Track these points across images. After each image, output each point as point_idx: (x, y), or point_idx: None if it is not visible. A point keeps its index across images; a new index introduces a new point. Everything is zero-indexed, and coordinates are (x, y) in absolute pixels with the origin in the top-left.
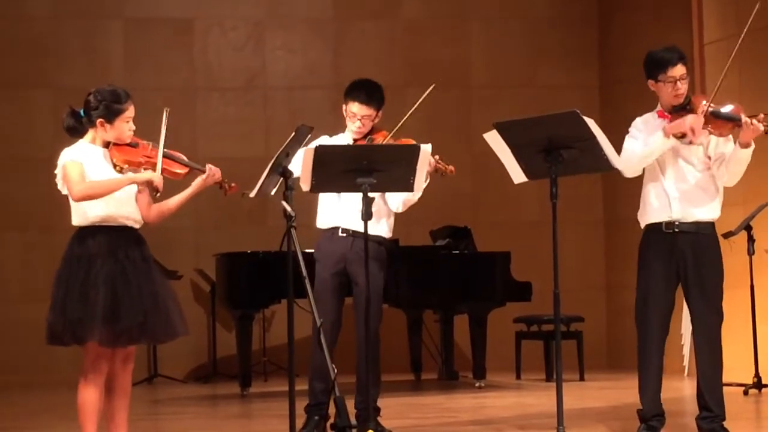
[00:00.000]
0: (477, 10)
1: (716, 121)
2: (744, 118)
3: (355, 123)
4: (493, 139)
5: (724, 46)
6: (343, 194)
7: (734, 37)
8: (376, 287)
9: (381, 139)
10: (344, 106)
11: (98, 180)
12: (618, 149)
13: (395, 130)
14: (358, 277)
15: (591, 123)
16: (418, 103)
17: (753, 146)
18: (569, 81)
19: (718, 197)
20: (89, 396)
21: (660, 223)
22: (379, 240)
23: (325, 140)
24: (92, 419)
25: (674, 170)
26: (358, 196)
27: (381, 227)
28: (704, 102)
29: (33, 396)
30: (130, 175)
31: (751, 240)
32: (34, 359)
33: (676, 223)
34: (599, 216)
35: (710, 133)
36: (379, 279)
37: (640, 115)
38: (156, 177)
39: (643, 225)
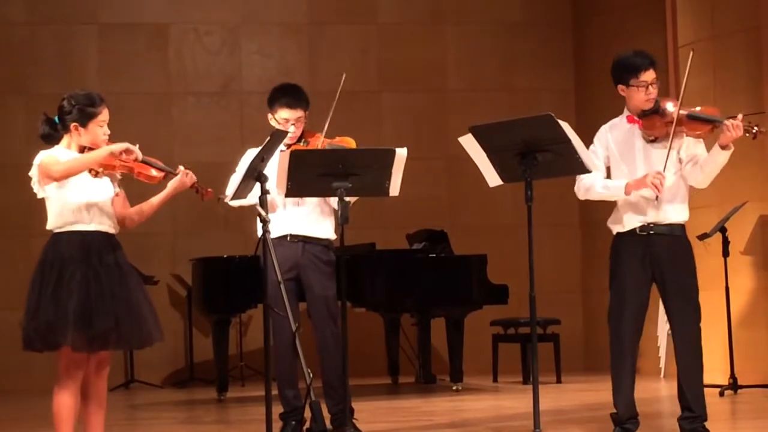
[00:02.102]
0: (452, 15)
1: (692, 123)
2: (726, 120)
3: (289, 129)
4: (469, 143)
5: (698, 49)
6: (288, 201)
7: (708, 40)
8: (331, 290)
9: (316, 140)
10: (271, 116)
11: (75, 157)
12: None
13: (325, 129)
14: (311, 283)
15: (566, 126)
16: (337, 97)
17: (732, 149)
18: (544, 84)
19: (687, 199)
20: (64, 402)
21: (633, 228)
22: (325, 243)
23: (253, 153)
24: (68, 426)
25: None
26: (302, 203)
27: (326, 229)
28: (672, 106)
29: (9, 403)
30: (106, 147)
31: (726, 242)
32: (10, 366)
33: (651, 225)
34: (575, 218)
35: (686, 134)
36: (333, 281)
37: (614, 116)
38: (132, 145)
39: (615, 232)
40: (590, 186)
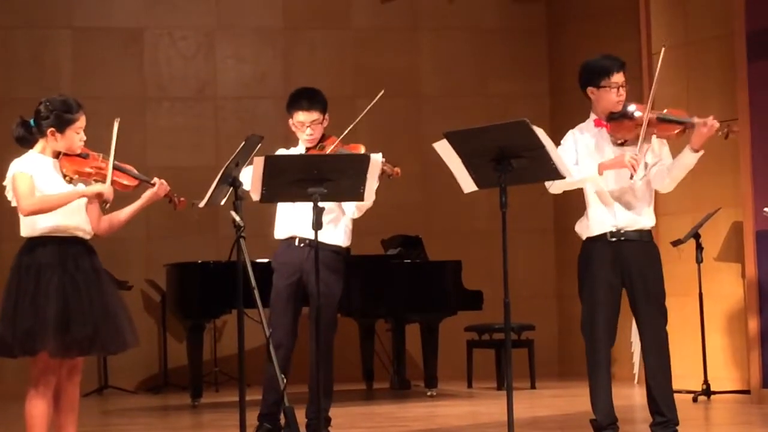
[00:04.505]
0: (427, 20)
1: (663, 125)
2: (696, 119)
3: (306, 131)
4: (443, 149)
5: (671, 55)
6: (298, 204)
7: (682, 47)
8: (330, 297)
9: (331, 145)
10: (290, 121)
11: (47, 194)
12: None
13: (343, 135)
14: (314, 288)
15: (540, 132)
16: (367, 109)
17: (702, 152)
18: (519, 90)
19: (652, 204)
20: (38, 408)
21: (604, 234)
22: (336, 249)
23: (281, 153)
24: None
25: (617, 179)
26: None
27: (338, 235)
28: (639, 110)
29: None
30: (80, 188)
31: (699, 248)
32: None
33: (622, 231)
34: (549, 225)
35: (657, 136)
36: (336, 289)
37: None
38: (105, 189)
39: (584, 237)
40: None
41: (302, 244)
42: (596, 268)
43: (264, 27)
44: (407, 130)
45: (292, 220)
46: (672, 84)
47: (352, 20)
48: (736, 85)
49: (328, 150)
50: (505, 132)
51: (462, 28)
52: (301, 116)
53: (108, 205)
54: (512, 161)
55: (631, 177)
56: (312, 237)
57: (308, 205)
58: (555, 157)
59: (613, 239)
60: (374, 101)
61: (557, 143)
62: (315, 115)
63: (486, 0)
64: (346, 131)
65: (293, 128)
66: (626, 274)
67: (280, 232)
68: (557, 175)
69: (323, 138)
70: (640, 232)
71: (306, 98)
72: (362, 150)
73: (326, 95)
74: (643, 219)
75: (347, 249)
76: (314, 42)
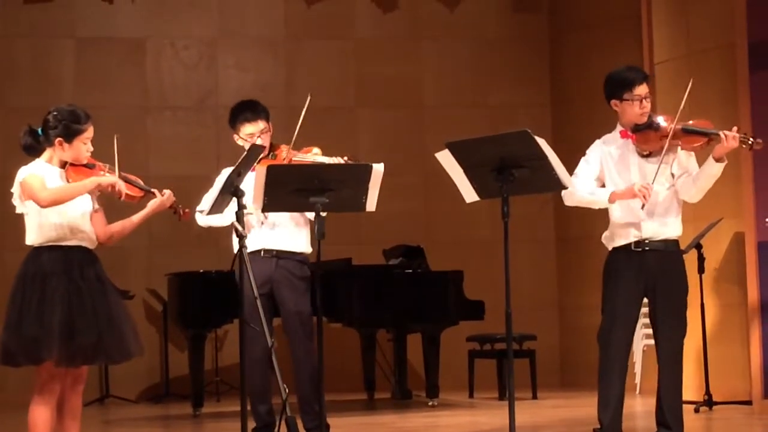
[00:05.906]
0: (428, 30)
1: (688, 136)
2: (721, 132)
3: (257, 143)
4: (445, 159)
5: (673, 66)
6: (261, 216)
7: (684, 58)
8: (306, 308)
9: (282, 153)
10: (236, 136)
11: (63, 185)
12: (570, 168)
13: (293, 141)
14: (285, 298)
15: (542, 142)
16: (302, 116)
17: (726, 162)
18: (521, 100)
19: (680, 213)
20: (41, 416)
21: (628, 244)
22: (301, 259)
23: (229, 170)
24: None
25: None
26: (277, 217)
27: (300, 242)
28: (665, 120)
29: None
30: (94, 178)
31: (701, 258)
32: None
33: (646, 241)
34: (551, 235)
35: (681, 148)
36: (307, 297)
37: (591, 133)
38: (119, 180)
39: (610, 248)
40: (575, 191)
41: (269, 256)
42: (620, 279)
43: (266, 36)
44: (409, 140)
45: (256, 233)
46: (673, 95)
47: (354, 30)
48: (738, 95)
49: (283, 157)
50: (507, 142)
51: (464, 38)
52: (249, 128)
53: (122, 197)
54: (514, 171)
55: (642, 206)
56: (278, 248)
57: (271, 217)
58: (557, 167)
59: (638, 249)
60: (305, 107)
61: (560, 153)
62: (262, 125)
63: (487, 10)
64: (293, 138)
65: (240, 142)
66: (650, 285)
67: (247, 245)
68: (559, 185)
69: (272, 147)
70: (665, 242)
71: (249, 110)
72: (319, 153)
73: (327, 105)
74: (669, 229)
75: (309, 256)
76: (316, 51)
